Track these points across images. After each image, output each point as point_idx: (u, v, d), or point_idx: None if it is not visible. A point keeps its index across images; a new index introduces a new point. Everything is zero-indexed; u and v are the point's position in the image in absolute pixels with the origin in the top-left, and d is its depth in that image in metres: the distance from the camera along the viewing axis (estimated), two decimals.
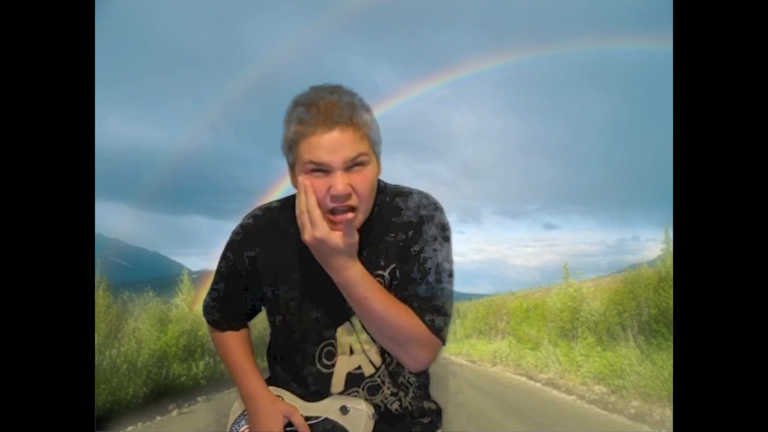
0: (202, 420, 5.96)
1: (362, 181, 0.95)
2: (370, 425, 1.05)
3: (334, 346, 1.07)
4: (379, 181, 1.05)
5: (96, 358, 6.15)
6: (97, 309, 7.39)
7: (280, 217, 1.10)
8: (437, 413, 1.16)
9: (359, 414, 1.04)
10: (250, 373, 1.14)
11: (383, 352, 1.07)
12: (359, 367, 1.07)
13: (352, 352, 1.06)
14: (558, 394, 7.22)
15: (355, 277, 0.96)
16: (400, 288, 1.02)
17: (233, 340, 1.17)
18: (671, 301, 6.61)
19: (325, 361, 1.07)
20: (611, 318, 8.13)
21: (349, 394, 1.07)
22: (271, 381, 1.16)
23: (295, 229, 1.01)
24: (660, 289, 7.19)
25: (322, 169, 0.93)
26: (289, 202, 1.11)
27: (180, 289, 10.34)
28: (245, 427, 1.13)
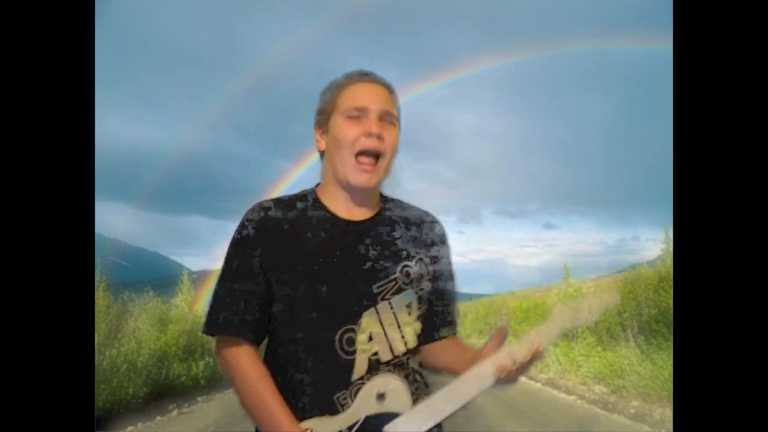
0: (202, 420, 5.96)
1: (390, 135, 1.08)
2: (410, 394, 1.02)
3: (355, 332, 1.05)
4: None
5: (96, 358, 6.15)
6: (97, 309, 7.39)
7: (292, 210, 1.10)
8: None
9: (398, 390, 1.02)
10: (283, 413, 1.00)
11: (410, 343, 1.08)
12: (376, 353, 1.06)
13: (371, 338, 1.05)
14: (558, 394, 7.22)
15: None
16: (436, 295, 1.13)
17: (254, 367, 1.04)
18: (671, 301, 6.61)
19: (346, 347, 1.04)
20: (611, 318, 8.13)
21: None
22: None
23: (310, 220, 1.08)
24: (660, 289, 7.20)
25: (358, 116, 1.07)
26: (305, 194, 1.14)
27: (180, 289, 10.35)
28: None
